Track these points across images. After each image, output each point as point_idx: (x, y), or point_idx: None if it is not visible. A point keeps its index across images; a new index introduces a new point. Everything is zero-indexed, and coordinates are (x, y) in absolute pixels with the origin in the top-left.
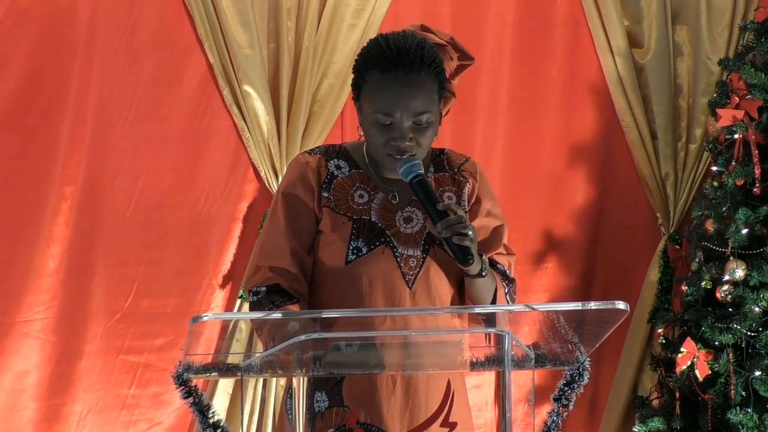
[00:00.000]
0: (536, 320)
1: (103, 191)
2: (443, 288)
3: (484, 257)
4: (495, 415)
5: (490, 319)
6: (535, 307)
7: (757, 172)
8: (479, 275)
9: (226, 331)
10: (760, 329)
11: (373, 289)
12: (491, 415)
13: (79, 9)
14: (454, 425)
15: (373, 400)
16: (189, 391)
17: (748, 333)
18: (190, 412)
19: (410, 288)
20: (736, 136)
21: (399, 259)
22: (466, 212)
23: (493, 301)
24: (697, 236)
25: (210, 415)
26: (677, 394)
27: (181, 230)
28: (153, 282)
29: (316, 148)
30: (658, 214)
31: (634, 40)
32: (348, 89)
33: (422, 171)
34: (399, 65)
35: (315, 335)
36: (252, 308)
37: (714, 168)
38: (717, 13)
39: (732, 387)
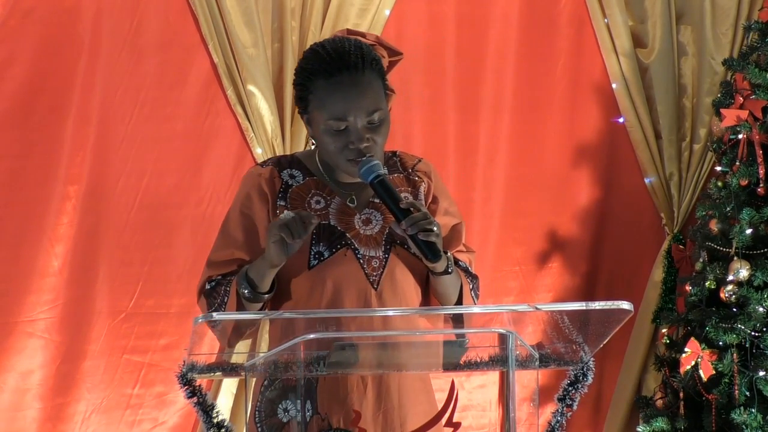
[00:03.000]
0: (540, 320)
1: (107, 191)
2: (409, 287)
3: (449, 254)
4: (499, 415)
5: (457, 319)
6: (539, 307)
7: (761, 172)
8: (445, 272)
9: None
10: (765, 329)
11: (339, 292)
12: (495, 415)
13: (83, 9)
14: (458, 425)
15: (345, 404)
16: (193, 391)
17: (752, 333)
18: (194, 411)
19: (375, 289)
20: (740, 136)
21: (362, 261)
22: None
23: (459, 298)
24: (701, 236)
25: (214, 415)
26: (681, 394)
27: (186, 230)
28: (157, 281)
29: (268, 159)
30: (662, 214)
31: (638, 40)
32: None
33: (383, 171)
34: (343, 68)
35: (319, 334)
36: (207, 296)
37: (718, 168)
38: (721, 13)
39: (736, 387)
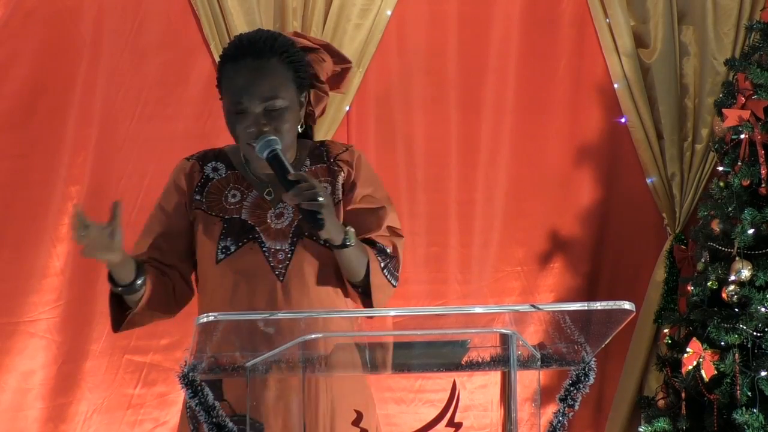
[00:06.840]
0: (542, 320)
1: (109, 191)
2: (322, 278)
3: (348, 228)
4: (500, 415)
5: (366, 293)
6: (540, 307)
7: (763, 172)
8: (343, 245)
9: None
10: (766, 329)
11: (243, 285)
12: (497, 415)
13: (85, 9)
14: (459, 425)
15: (246, 393)
16: (195, 391)
17: (754, 333)
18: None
19: (281, 281)
20: (742, 136)
21: (267, 254)
22: (339, 201)
23: (367, 274)
24: (703, 236)
25: (215, 415)
26: (683, 395)
27: None
28: None
29: (196, 153)
30: (664, 214)
31: (640, 40)
32: (354, 88)
33: (279, 147)
34: (247, 54)
35: (320, 335)
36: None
37: (720, 168)
38: (723, 13)
39: (738, 387)
